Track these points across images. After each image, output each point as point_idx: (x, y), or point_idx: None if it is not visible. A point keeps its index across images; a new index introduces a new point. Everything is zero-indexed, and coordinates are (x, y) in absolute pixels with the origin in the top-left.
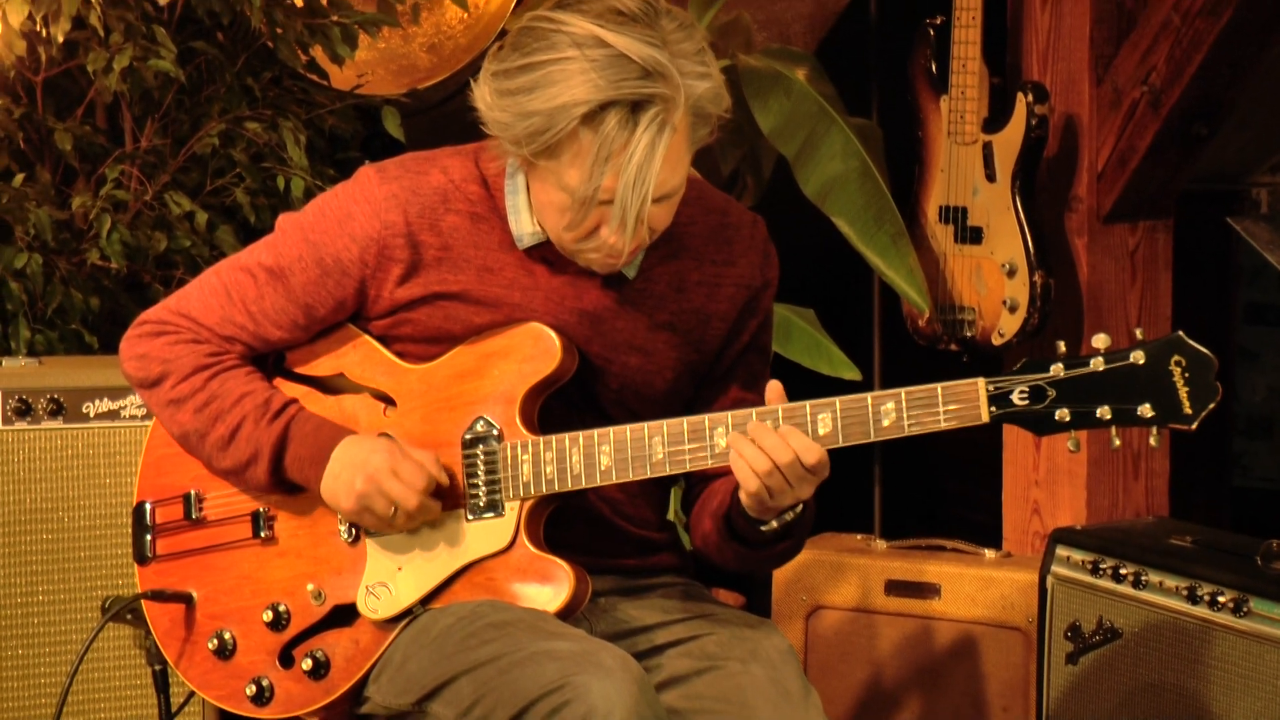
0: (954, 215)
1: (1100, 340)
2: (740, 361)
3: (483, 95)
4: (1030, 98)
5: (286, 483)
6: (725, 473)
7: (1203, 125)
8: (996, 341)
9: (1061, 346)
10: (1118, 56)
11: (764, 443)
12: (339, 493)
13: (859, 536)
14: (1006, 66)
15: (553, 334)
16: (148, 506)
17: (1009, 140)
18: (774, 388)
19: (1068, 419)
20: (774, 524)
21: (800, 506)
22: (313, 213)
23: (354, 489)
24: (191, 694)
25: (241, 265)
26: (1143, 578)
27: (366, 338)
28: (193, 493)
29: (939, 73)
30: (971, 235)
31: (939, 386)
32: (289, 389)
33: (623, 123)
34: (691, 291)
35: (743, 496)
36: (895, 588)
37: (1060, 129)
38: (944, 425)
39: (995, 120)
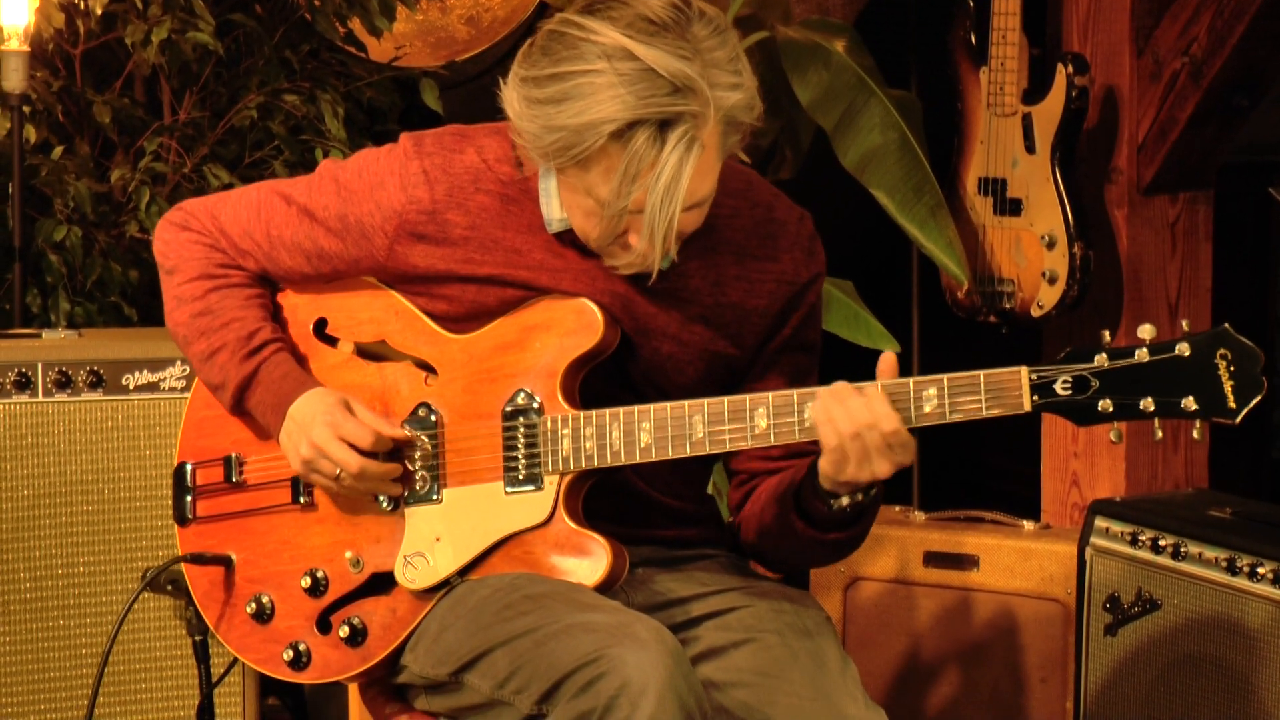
0: (993, 187)
1: (1145, 331)
2: (782, 356)
3: (511, 101)
4: (1070, 69)
5: (251, 416)
6: (776, 470)
7: (1244, 97)
8: (1035, 313)
9: (1106, 336)
10: (1158, 27)
11: (850, 404)
12: (289, 451)
13: (897, 508)
14: (1046, 38)
15: (595, 308)
16: (188, 467)
17: (1049, 112)
18: (887, 359)
19: (1110, 410)
20: (844, 500)
21: (873, 490)
22: (351, 170)
23: (299, 454)
24: (232, 665)
25: (280, 191)
26: (1182, 549)
27: (409, 306)
28: (233, 456)
29: (978, 44)
30: (1011, 207)
31: (981, 374)
32: (328, 355)
33: (651, 140)
34: (729, 286)
35: (823, 463)
36: (934, 559)
37: (1100, 100)
38: (985, 414)
39: (1035, 92)
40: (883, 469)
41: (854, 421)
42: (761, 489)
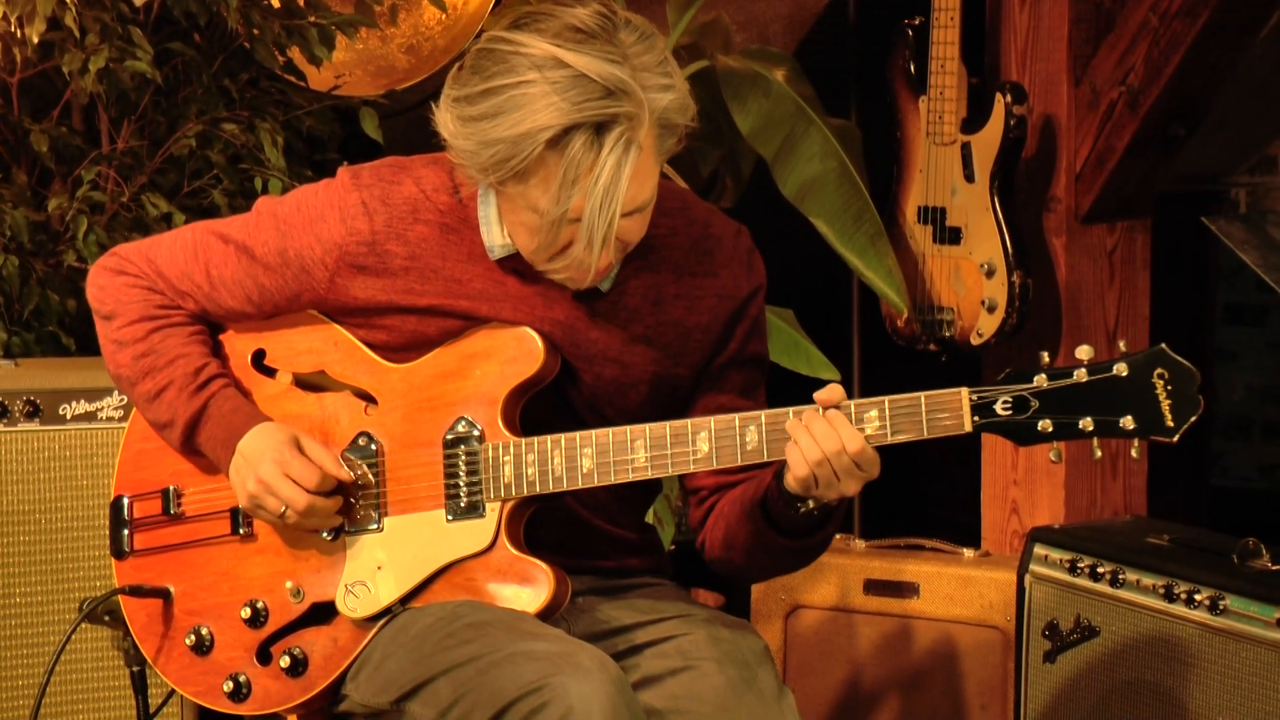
0: (933, 216)
1: (1083, 351)
2: (729, 371)
3: (445, 122)
4: (1009, 98)
5: (200, 452)
6: (735, 483)
7: (1180, 126)
8: (975, 341)
9: (1045, 357)
10: (1096, 57)
11: (815, 430)
12: (236, 486)
13: (838, 536)
14: (985, 67)
15: (535, 335)
16: (125, 500)
17: (987, 141)
18: (834, 389)
19: (1050, 430)
20: (811, 504)
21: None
22: (290, 205)
23: (246, 489)
24: (170, 695)
25: (216, 231)
26: (1120, 576)
27: (348, 336)
28: (171, 488)
29: (918, 73)
30: (950, 235)
31: (922, 396)
32: (267, 386)
33: (588, 145)
34: (669, 305)
35: (790, 481)
36: (874, 587)
37: (1039, 129)
38: (927, 434)
39: (974, 121)
40: (850, 488)
41: (821, 448)
42: (723, 503)
